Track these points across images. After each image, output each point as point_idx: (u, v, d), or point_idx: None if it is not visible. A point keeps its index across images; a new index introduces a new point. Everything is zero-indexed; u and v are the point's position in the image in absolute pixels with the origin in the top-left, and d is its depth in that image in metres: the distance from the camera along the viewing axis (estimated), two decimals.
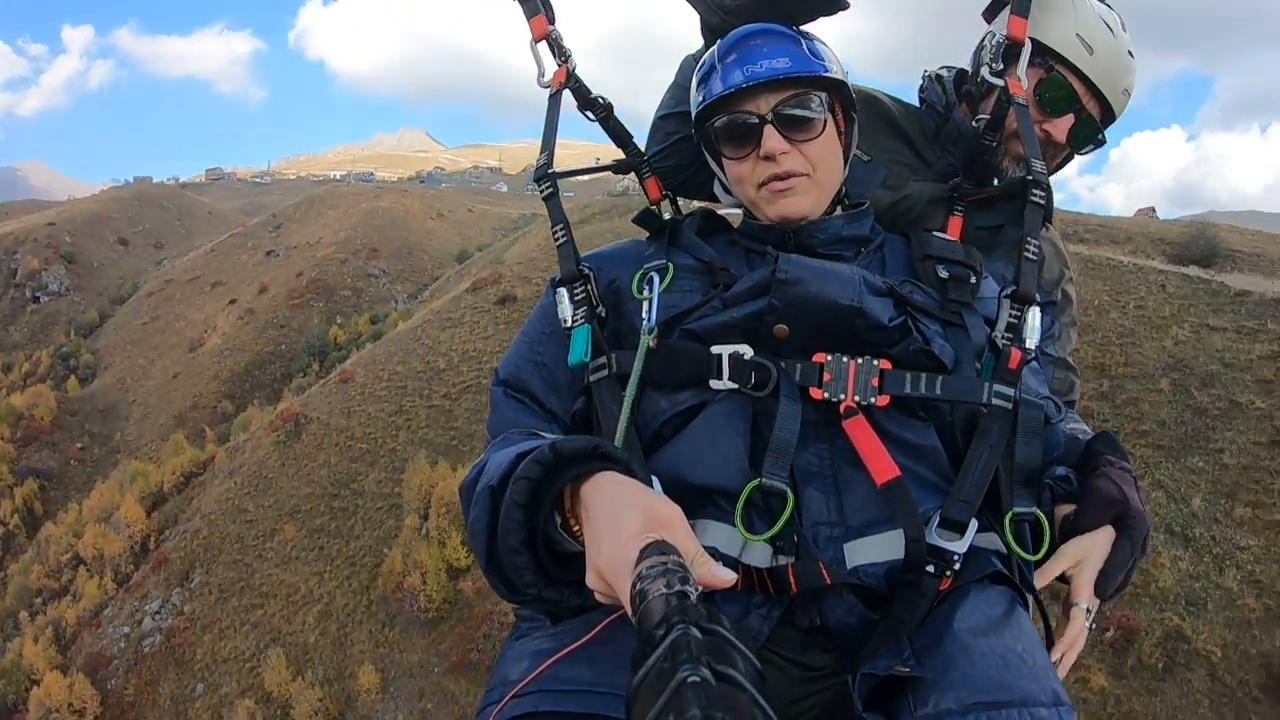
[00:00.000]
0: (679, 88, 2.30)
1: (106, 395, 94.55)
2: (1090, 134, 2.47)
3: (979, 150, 2.33)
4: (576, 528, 1.44)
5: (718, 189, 2.18)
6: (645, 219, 2.16)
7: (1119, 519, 1.82)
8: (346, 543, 44.38)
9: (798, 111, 1.86)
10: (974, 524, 1.67)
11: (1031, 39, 2.26)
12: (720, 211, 2.19)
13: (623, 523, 1.30)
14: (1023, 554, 1.77)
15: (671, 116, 2.32)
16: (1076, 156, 2.58)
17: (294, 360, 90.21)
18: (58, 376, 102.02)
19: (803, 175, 1.88)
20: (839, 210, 2.03)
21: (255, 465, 51.21)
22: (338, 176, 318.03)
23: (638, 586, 1.09)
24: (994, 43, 2.24)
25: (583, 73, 2.22)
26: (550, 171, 2.08)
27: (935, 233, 2.11)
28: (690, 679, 0.82)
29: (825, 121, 1.89)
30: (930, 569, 1.61)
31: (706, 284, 1.89)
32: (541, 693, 1.43)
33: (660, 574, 1.09)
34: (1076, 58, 2.37)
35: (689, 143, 2.20)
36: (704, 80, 1.96)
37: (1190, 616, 25.22)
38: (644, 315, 1.83)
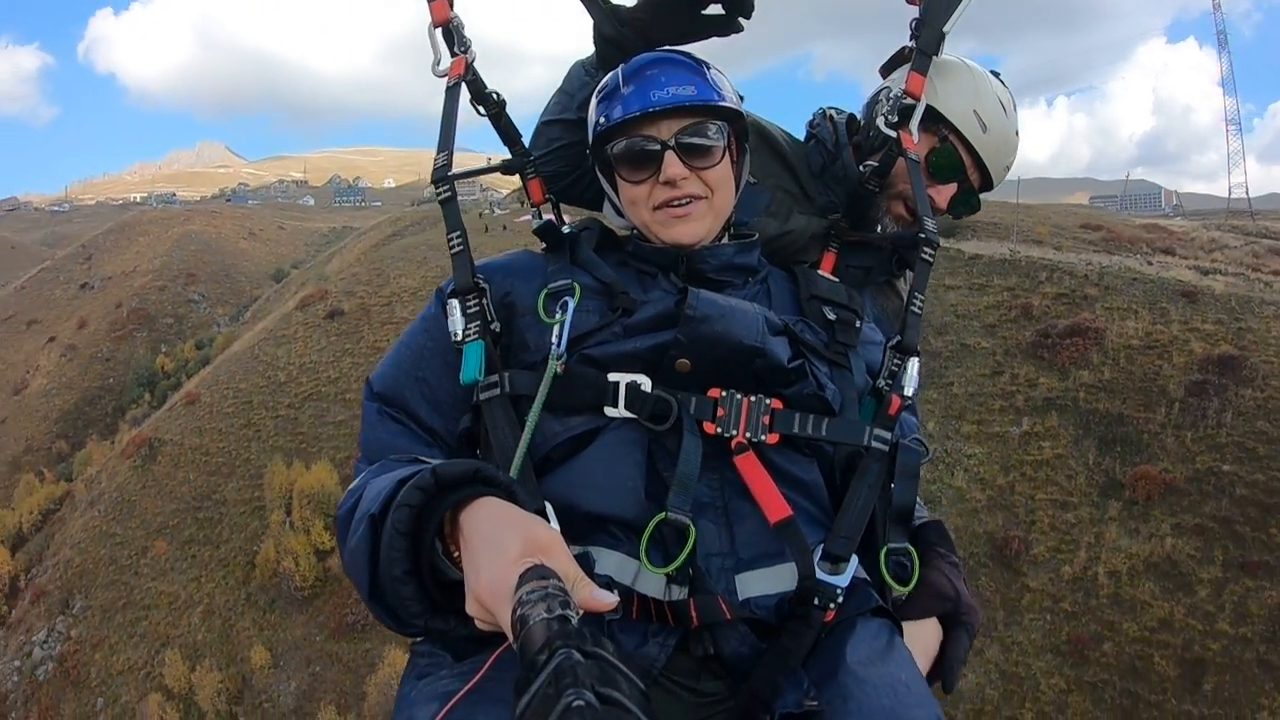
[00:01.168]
0: (565, 94, 2.28)
1: None
2: (967, 202, 2.52)
3: (861, 194, 2.36)
4: (458, 554, 1.41)
5: (608, 210, 2.13)
6: (545, 231, 2.06)
7: (953, 614, 1.89)
8: (216, 548, 48.09)
9: (698, 140, 1.85)
10: (854, 559, 1.73)
11: (930, 106, 2.35)
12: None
13: (501, 548, 1.27)
14: (897, 586, 1.83)
15: (556, 123, 2.27)
16: (950, 218, 2.60)
17: (124, 393, 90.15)
18: None
19: (701, 198, 1.88)
20: (726, 237, 2.03)
21: (116, 491, 54.01)
22: (138, 199, 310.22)
23: (518, 612, 1.07)
24: (890, 96, 2.27)
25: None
26: (450, 174, 1.98)
27: (820, 272, 2.18)
28: (575, 703, 0.83)
29: (723, 150, 1.89)
30: (815, 601, 1.65)
31: (605, 306, 1.86)
32: None
33: (541, 598, 1.07)
34: (970, 133, 2.42)
35: (571, 150, 2.23)
36: (605, 102, 1.93)
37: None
38: (554, 339, 1.77)
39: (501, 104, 2.18)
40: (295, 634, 41.60)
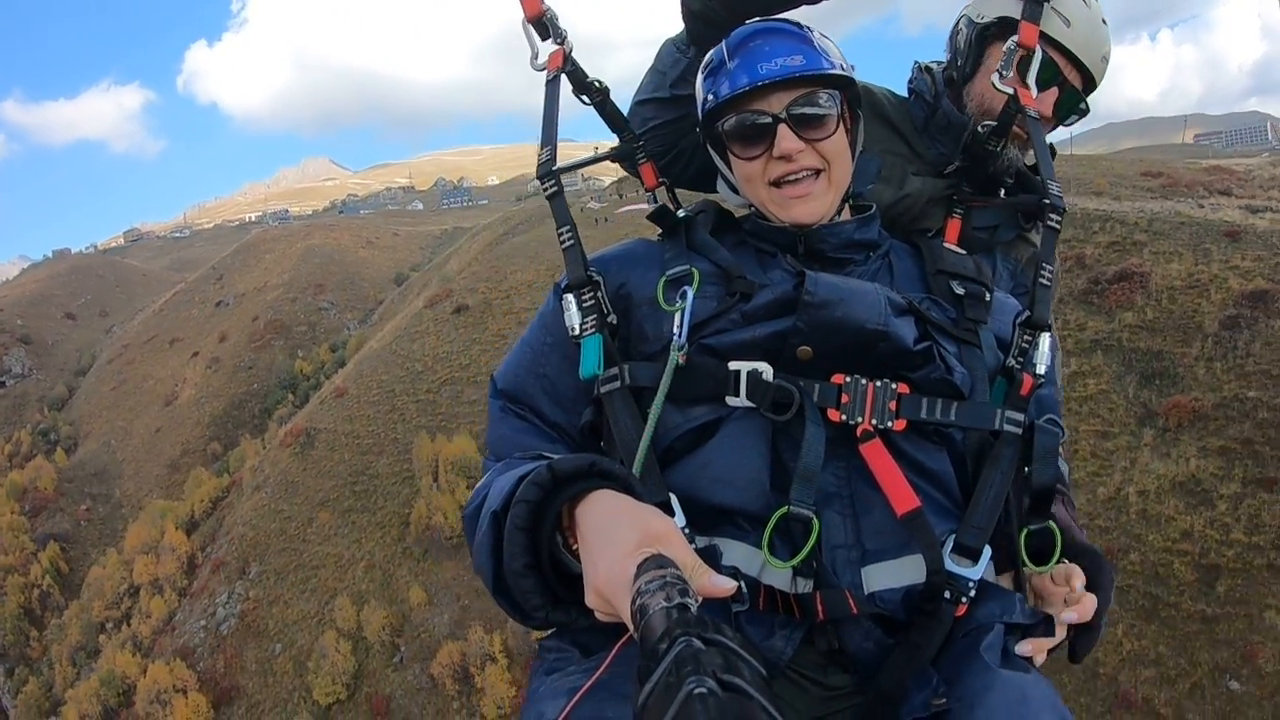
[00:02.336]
0: (657, 73, 2.25)
1: (95, 460, 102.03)
2: (1073, 104, 2.41)
3: (980, 155, 2.30)
4: (577, 547, 1.40)
5: (722, 188, 2.07)
6: (660, 216, 1.99)
7: (1095, 565, 1.81)
8: (373, 514, 55.50)
9: (811, 110, 1.79)
10: (987, 550, 1.65)
11: (1003, 17, 2.30)
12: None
13: (618, 539, 1.26)
14: (1035, 567, 1.77)
15: (649, 102, 2.25)
16: (1061, 127, 2.52)
17: (268, 395, 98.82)
18: (41, 452, 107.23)
19: (819, 171, 1.82)
20: (846, 211, 1.95)
21: (279, 475, 61.71)
22: (253, 219, 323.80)
23: (637, 602, 1.08)
24: (1006, 50, 2.15)
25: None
26: (554, 169, 1.93)
27: (945, 244, 2.09)
28: (696, 690, 0.82)
29: (837, 119, 1.83)
30: (946, 595, 1.58)
31: (723, 291, 1.80)
32: None
33: (659, 588, 1.07)
34: (1056, 31, 2.30)
35: (666, 129, 2.21)
36: (711, 78, 1.87)
37: None
38: (675, 330, 1.72)
39: (605, 91, 2.14)
40: (446, 576, 48.59)
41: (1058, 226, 2.00)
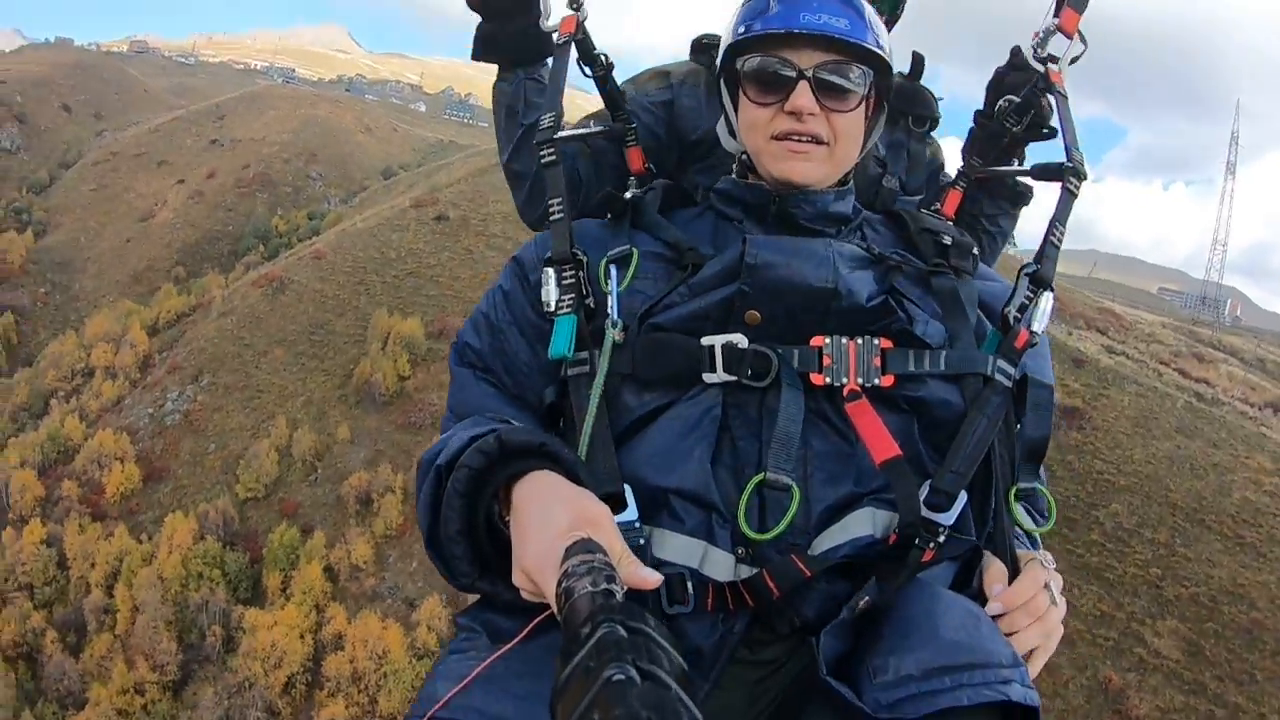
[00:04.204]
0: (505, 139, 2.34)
1: (61, 250, 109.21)
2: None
3: (998, 132, 2.24)
4: (508, 522, 1.40)
5: (721, 130, 1.97)
6: (608, 200, 1.91)
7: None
8: (322, 361, 65.11)
9: (837, 79, 1.69)
10: (963, 496, 1.56)
11: None
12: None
13: (550, 521, 1.26)
14: (1030, 528, 1.71)
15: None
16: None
17: (241, 240, 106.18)
18: (12, 228, 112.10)
19: (823, 144, 1.72)
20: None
21: (247, 309, 70.60)
22: (259, 67, 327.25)
23: (563, 584, 1.08)
24: (1041, 30, 2.05)
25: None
26: (555, 137, 1.89)
27: (928, 213, 2.06)
28: (616, 677, 0.82)
29: (861, 98, 1.74)
30: (915, 542, 1.51)
31: (673, 268, 1.74)
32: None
33: (586, 572, 1.08)
34: None
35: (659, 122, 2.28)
36: (748, 13, 1.76)
37: None
38: (609, 309, 1.66)
39: (609, 67, 2.15)
40: (371, 424, 58.80)
41: (1076, 191, 1.90)
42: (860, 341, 1.61)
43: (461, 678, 1.36)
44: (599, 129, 2.25)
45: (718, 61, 1.86)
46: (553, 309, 1.71)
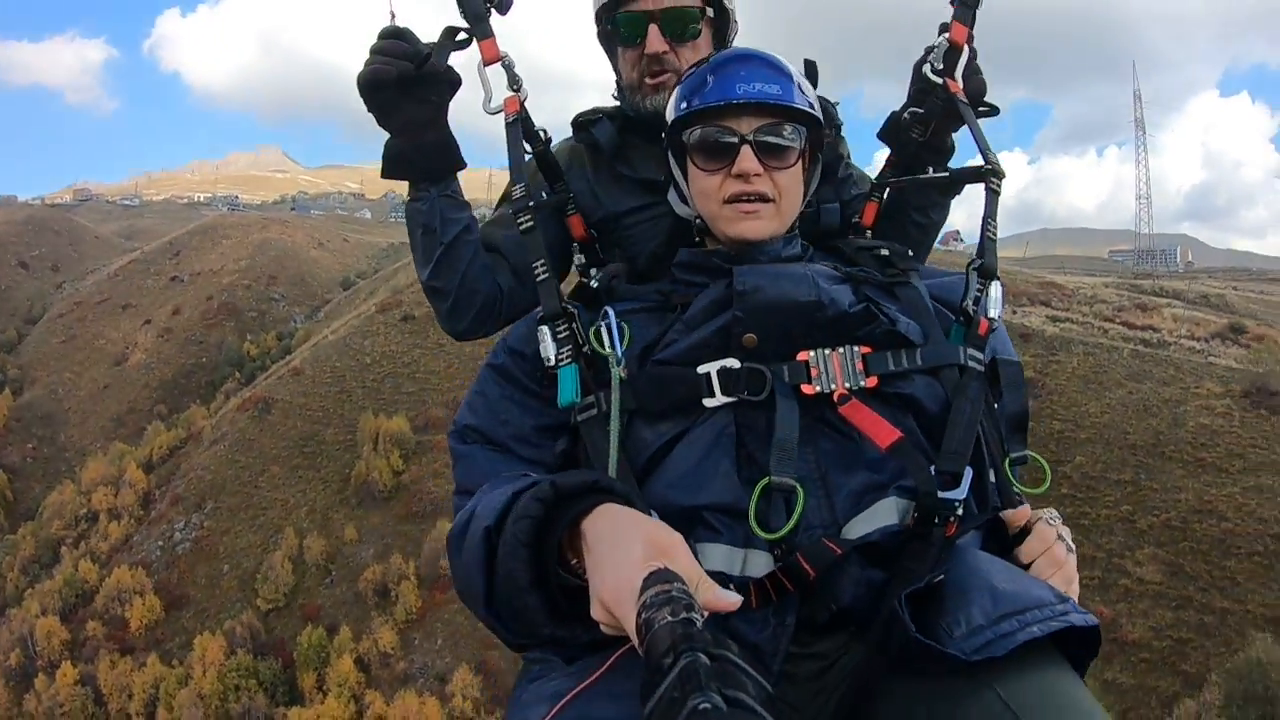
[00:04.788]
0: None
1: (42, 405, 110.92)
2: (689, 19, 2.41)
3: (905, 142, 2.34)
4: (575, 562, 1.41)
5: (672, 198, 2.09)
6: (580, 292, 2.12)
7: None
8: (319, 471, 68.16)
9: (775, 139, 1.85)
10: (968, 472, 1.68)
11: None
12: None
13: (624, 553, 1.26)
14: (1027, 490, 1.86)
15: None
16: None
17: (215, 370, 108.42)
18: None
19: (769, 201, 1.86)
20: None
21: (237, 434, 73.50)
22: (203, 199, 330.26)
23: (643, 616, 1.07)
24: (935, 46, 2.21)
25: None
26: (531, 205, 2.00)
27: (858, 241, 2.20)
28: (701, 705, 0.82)
29: (798, 154, 1.89)
30: (935, 520, 1.61)
31: (661, 314, 1.87)
32: None
33: (665, 602, 1.06)
34: None
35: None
36: (687, 90, 1.92)
37: None
38: (609, 349, 1.77)
39: (547, 142, 2.28)
40: (375, 521, 61.88)
41: (998, 189, 2.07)
42: (842, 350, 1.73)
43: (552, 696, 1.45)
44: (545, 202, 2.30)
45: (664, 136, 2.00)
46: (553, 363, 1.78)
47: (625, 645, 1.28)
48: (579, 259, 2.40)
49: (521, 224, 1.99)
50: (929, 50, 2.25)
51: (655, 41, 2.37)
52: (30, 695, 58.68)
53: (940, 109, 2.27)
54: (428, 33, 2.19)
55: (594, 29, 2.53)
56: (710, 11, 2.45)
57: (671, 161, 2.02)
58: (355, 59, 2.21)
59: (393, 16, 2.18)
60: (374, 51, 2.13)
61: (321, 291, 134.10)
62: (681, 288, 1.93)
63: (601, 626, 1.27)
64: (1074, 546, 1.84)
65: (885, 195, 2.41)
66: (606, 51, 2.58)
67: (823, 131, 1.99)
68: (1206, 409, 51.68)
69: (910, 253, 2.12)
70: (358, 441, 67.29)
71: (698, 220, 2.00)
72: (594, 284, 2.09)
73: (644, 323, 1.86)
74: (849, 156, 2.62)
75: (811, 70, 2.40)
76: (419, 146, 2.24)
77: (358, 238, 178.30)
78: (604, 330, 1.82)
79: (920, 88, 2.31)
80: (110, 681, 56.86)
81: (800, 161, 1.93)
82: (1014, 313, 65.95)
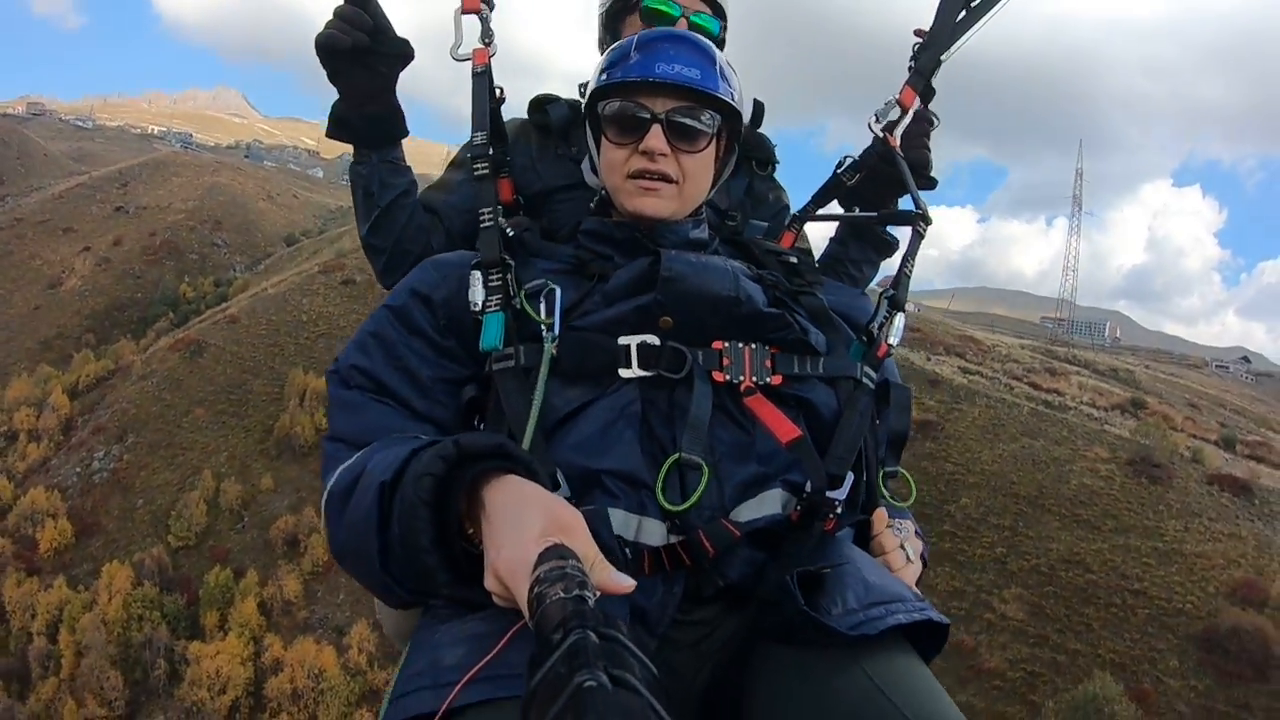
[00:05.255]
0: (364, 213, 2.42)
1: None
2: (710, 31, 2.58)
3: (834, 183, 2.50)
4: (471, 531, 1.41)
5: (585, 168, 2.16)
6: (492, 239, 1.97)
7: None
8: (242, 419, 69.94)
9: (688, 120, 1.87)
10: (850, 476, 1.80)
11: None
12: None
13: (523, 526, 1.26)
14: (896, 504, 1.99)
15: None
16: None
17: (150, 307, 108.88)
18: None
19: (672, 183, 1.89)
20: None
21: (166, 372, 74.89)
22: (156, 132, 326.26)
23: (535, 590, 1.08)
24: (885, 103, 2.40)
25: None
26: (491, 152, 2.05)
27: (766, 242, 2.25)
28: (587, 683, 0.83)
29: (710, 139, 1.91)
30: (817, 515, 1.73)
31: (579, 279, 1.87)
32: (496, 678, 1.33)
33: (558, 578, 1.07)
34: None
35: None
36: (611, 61, 1.93)
37: None
38: (544, 323, 1.78)
39: (501, 100, 2.26)
40: (292, 473, 64.00)
41: (923, 233, 2.22)
42: (754, 346, 1.81)
43: (468, 639, 1.42)
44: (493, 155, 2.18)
45: (583, 104, 2.04)
46: (479, 307, 1.79)
47: (522, 620, 1.25)
48: (514, 230, 2.24)
49: (477, 170, 2.03)
50: (880, 109, 2.44)
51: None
52: None
53: (874, 158, 2.44)
54: None
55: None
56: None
57: (588, 131, 2.05)
58: (323, 7, 2.25)
59: None
60: (335, 15, 2.18)
61: (265, 244, 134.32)
62: (589, 255, 1.94)
63: (494, 598, 1.29)
64: (918, 558, 2.01)
65: (801, 229, 2.53)
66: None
67: (741, 124, 2.02)
68: (1091, 471, 55.79)
69: (816, 265, 2.25)
70: (284, 396, 69.19)
71: (603, 191, 2.04)
72: (509, 232, 2.01)
73: (563, 285, 1.83)
74: (788, 203, 2.76)
75: (758, 112, 2.70)
76: (364, 114, 2.31)
77: (307, 195, 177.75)
78: (542, 298, 1.81)
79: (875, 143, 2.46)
80: (15, 600, 58.00)
81: (712, 148, 1.95)
82: (928, 359, 70.30)
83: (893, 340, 2.03)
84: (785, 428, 1.72)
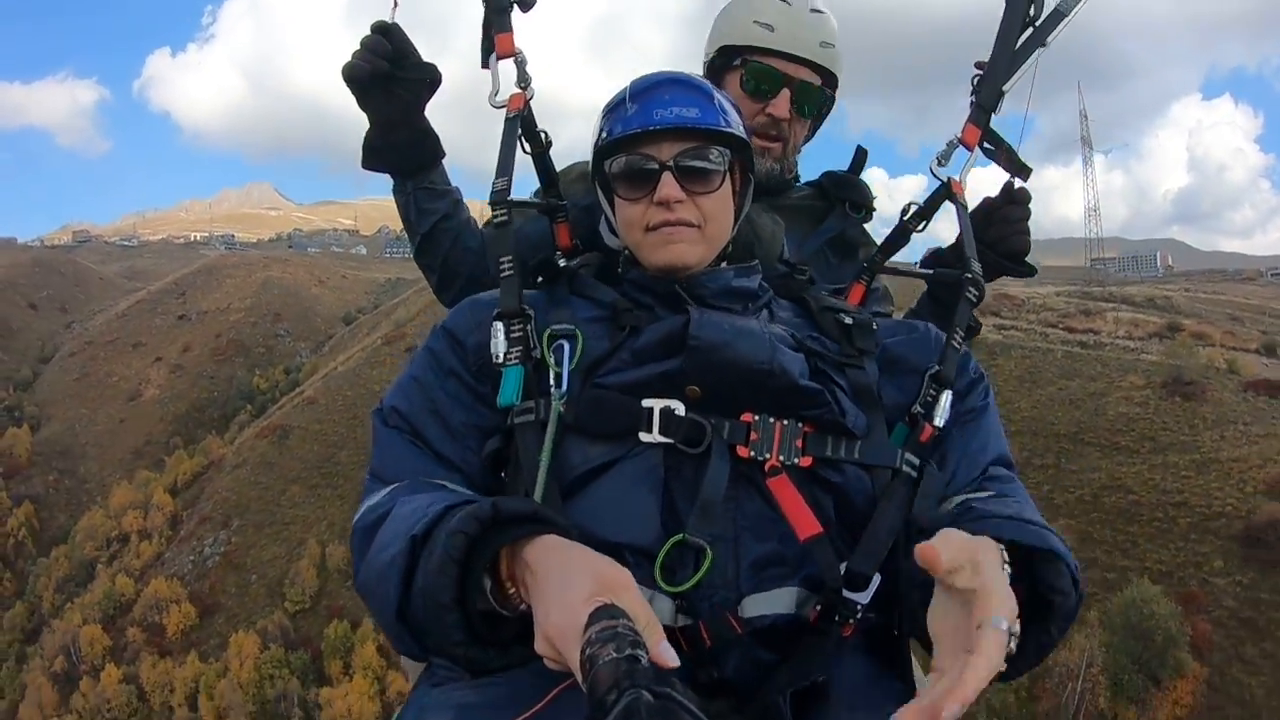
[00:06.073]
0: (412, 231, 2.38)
1: (60, 440, 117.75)
2: (817, 99, 2.47)
3: (902, 230, 2.33)
4: (513, 590, 1.37)
5: (603, 229, 1.98)
6: (543, 265, 1.94)
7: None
8: (336, 489, 75.68)
9: (697, 163, 1.75)
10: (876, 578, 1.60)
11: (723, 47, 2.44)
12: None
13: (572, 587, 1.22)
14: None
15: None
16: (816, 122, 2.58)
17: (228, 404, 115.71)
18: (4, 426, 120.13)
19: (694, 227, 1.76)
20: (724, 265, 1.87)
21: (258, 458, 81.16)
22: (200, 238, 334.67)
23: (587, 652, 1.06)
24: (948, 144, 2.22)
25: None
26: (507, 200, 1.96)
27: (828, 294, 2.04)
28: None
29: (723, 176, 1.79)
30: (835, 617, 1.56)
31: (612, 329, 1.76)
32: None
33: (610, 639, 1.05)
34: (760, 40, 2.38)
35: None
36: (608, 118, 1.83)
37: None
38: (553, 381, 1.68)
39: (548, 145, 2.19)
40: None
41: (975, 300, 1.99)
42: (786, 423, 1.65)
43: (456, 707, 1.46)
44: (535, 202, 2.23)
45: (590, 169, 1.90)
46: (500, 360, 1.71)
47: (565, 680, 1.25)
48: (570, 262, 2.04)
49: (495, 218, 1.94)
50: (942, 150, 2.27)
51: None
52: (77, 695, 65.49)
53: (939, 203, 2.27)
54: (461, 24, 2.25)
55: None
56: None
57: (599, 194, 1.91)
58: (344, 93, 2.26)
59: (394, 11, 2.25)
60: (361, 45, 2.19)
61: (325, 326, 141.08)
62: (631, 305, 1.80)
63: (546, 661, 1.22)
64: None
65: (870, 281, 2.38)
66: None
67: (749, 152, 1.87)
68: (1126, 399, 59.78)
69: (875, 326, 1.90)
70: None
71: (625, 252, 1.90)
72: (562, 262, 1.95)
73: (595, 334, 1.74)
74: (875, 249, 2.48)
75: (860, 158, 2.75)
76: (392, 142, 2.30)
77: (355, 274, 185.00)
78: (554, 349, 1.72)
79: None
80: (153, 679, 64.01)
81: (728, 185, 1.82)
82: None
83: (938, 422, 1.76)
84: (805, 520, 1.56)
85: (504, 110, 2.08)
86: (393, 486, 1.65)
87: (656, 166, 1.72)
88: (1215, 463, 53.97)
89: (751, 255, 1.98)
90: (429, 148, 2.36)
